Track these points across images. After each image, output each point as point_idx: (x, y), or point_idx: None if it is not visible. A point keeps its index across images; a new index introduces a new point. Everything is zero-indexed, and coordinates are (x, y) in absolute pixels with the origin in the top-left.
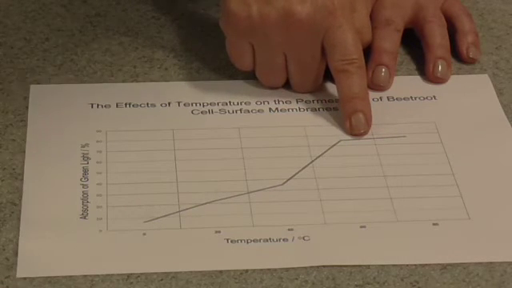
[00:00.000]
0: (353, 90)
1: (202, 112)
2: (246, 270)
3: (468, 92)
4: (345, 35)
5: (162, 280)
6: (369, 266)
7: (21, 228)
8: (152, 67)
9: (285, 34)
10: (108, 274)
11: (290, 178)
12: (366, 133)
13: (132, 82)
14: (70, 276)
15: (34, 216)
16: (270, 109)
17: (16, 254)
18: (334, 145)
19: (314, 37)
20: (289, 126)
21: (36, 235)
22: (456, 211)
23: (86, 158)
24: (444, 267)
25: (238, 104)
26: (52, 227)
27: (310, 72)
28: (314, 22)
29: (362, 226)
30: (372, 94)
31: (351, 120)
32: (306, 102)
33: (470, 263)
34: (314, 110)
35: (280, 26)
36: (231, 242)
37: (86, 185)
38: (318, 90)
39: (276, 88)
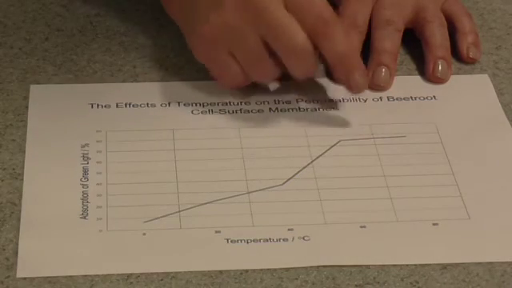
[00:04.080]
0: (339, 50)
1: (201, 112)
2: (246, 270)
3: (468, 92)
4: None
5: (162, 280)
6: (369, 266)
7: (21, 228)
8: (152, 67)
9: (248, 17)
10: (108, 274)
11: (290, 178)
12: (365, 88)
13: (132, 82)
14: (70, 276)
15: (34, 216)
16: (270, 109)
17: (16, 253)
18: (334, 145)
19: (276, 5)
20: (289, 125)
21: (36, 235)
22: (456, 211)
23: (85, 158)
24: (444, 267)
25: (237, 104)
26: (52, 227)
27: (291, 38)
28: None
29: (362, 226)
30: (372, 94)
31: (349, 81)
32: (306, 101)
33: (470, 263)
34: (313, 110)
35: (240, 14)
36: (231, 242)
37: (86, 185)
38: (316, 76)
39: (272, 80)
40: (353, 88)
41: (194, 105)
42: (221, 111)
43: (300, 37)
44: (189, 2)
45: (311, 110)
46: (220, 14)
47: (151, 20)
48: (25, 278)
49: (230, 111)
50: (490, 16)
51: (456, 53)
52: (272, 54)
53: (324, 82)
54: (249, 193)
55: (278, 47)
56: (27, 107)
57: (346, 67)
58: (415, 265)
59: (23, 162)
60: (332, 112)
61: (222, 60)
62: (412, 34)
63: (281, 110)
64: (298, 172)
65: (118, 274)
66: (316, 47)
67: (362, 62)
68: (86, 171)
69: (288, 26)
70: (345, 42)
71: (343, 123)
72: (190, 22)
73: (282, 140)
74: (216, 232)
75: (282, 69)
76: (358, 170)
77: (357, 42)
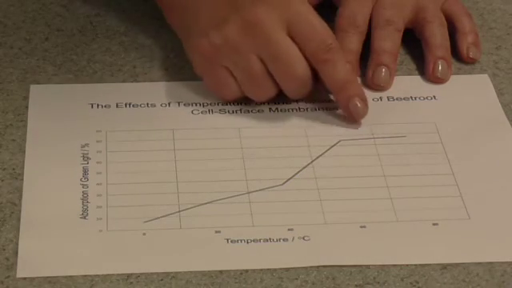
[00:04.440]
0: (340, 78)
1: (201, 112)
2: (246, 270)
3: (468, 92)
4: (310, 23)
5: (162, 280)
6: (369, 266)
7: (21, 228)
8: (152, 67)
9: (249, 38)
10: (108, 274)
11: (290, 178)
12: (365, 115)
13: (132, 82)
14: (70, 276)
15: (34, 216)
16: (270, 109)
17: (16, 253)
18: (334, 145)
19: (278, 30)
20: (289, 126)
21: (36, 235)
22: (456, 211)
23: (85, 158)
24: (444, 267)
25: (238, 104)
26: (52, 227)
27: (292, 68)
28: (271, 17)
29: (362, 226)
30: (372, 94)
31: (350, 108)
32: (306, 102)
33: (470, 263)
34: (313, 109)
35: (241, 34)
36: (231, 242)
37: (86, 185)
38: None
39: (268, 99)
40: (352, 114)
41: (194, 105)
42: (221, 111)
43: (300, 66)
44: (190, 15)
45: (311, 110)
46: (221, 31)
47: (151, 20)
48: (25, 278)
49: (230, 111)
50: (489, 16)
51: (456, 53)
52: (270, 74)
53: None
54: (249, 193)
55: (277, 73)
56: (27, 107)
57: (346, 94)
58: (415, 265)
59: (23, 162)
60: (332, 112)
61: (219, 75)
62: (412, 34)
63: (281, 110)
64: (298, 172)
65: (118, 274)
66: (315, 72)
67: (362, 89)
68: (85, 171)
69: (289, 55)
70: (345, 70)
71: (343, 123)
72: (190, 34)
73: (282, 140)
74: (216, 232)
75: (278, 89)
76: (357, 170)
77: (356, 68)
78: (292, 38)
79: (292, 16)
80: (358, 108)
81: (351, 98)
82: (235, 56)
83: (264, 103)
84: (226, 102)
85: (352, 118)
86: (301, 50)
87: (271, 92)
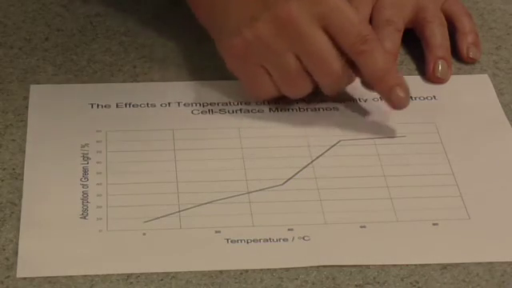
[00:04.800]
0: (379, 68)
1: (201, 112)
2: (246, 270)
3: (468, 92)
4: (345, 16)
5: (162, 280)
6: (369, 266)
7: (21, 228)
8: (152, 67)
9: (282, 35)
10: (108, 274)
11: (290, 178)
12: (407, 104)
13: (132, 82)
14: (70, 276)
15: (34, 216)
16: (270, 109)
17: (16, 253)
18: (334, 145)
19: (311, 26)
20: (289, 125)
21: (36, 235)
22: (456, 211)
23: (85, 158)
24: (444, 267)
25: (237, 104)
26: (52, 227)
27: (328, 64)
28: (304, 12)
29: (362, 226)
30: (372, 94)
31: (392, 98)
32: (306, 102)
33: (470, 263)
34: (313, 110)
35: (274, 31)
36: (231, 242)
37: (86, 185)
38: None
39: (304, 96)
40: (395, 104)
41: (194, 105)
42: (221, 111)
43: (335, 62)
44: (219, 12)
45: (311, 110)
46: (253, 28)
47: (151, 20)
48: (25, 278)
49: (230, 111)
50: (489, 16)
51: (456, 53)
52: (306, 71)
53: None
54: (249, 193)
55: (313, 69)
56: (27, 107)
57: (387, 84)
58: (415, 265)
59: (23, 162)
60: (332, 112)
61: (254, 73)
62: (412, 33)
63: (281, 110)
64: (298, 172)
65: (118, 274)
66: (353, 64)
67: (402, 78)
68: (85, 171)
69: (324, 50)
70: (384, 59)
71: (343, 123)
72: (221, 33)
73: (282, 140)
74: (216, 232)
75: (315, 86)
76: (358, 170)
77: (396, 56)
78: (327, 32)
79: (325, 9)
80: (400, 98)
81: (393, 88)
82: (270, 54)
83: (264, 103)
84: (227, 103)
85: (394, 108)
86: (337, 43)
87: (308, 89)
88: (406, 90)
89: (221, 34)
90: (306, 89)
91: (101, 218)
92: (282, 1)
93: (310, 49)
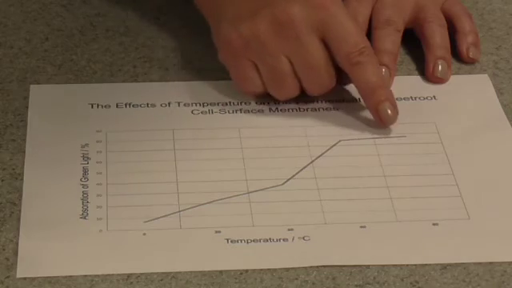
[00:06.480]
0: (372, 81)
1: (202, 112)
2: (246, 270)
3: (468, 92)
4: (344, 25)
5: (162, 280)
6: (369, 266)
7: (21, 228)
8: (152, 67)
9: (279, 37)
10: (108, 274)
11: (290, 178)
12: (394, 121)
13: (132, 82)
14: (70, 276)
15: (34, 216)
16: (270, 109)
17: (16, 253)
18: (334, 145)
19: (309, 32)
20: (289, 125)
21: (36, 235)
22: (456, 211)
23: (85, 158)
24: (444, 267)
25: (237, 104)
26: (52, 227)
27: (319, 75)
28: (304, 17)
29: (362, 226)
30: None
31: (379, 112)
32: (306, 102)
33: (470, 263)
34: (313, 109)
35: (272, 31)
36: (231, 241)
37: (85, 185)
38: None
39: (291, 98)
40: (382, 119)
41: (194, 105)
42: (221, 111)
43: (327, 76)
44: (221, 1)
45: (311, 110)
46: (251, 26)
47: (151, 20)
48: (25, 278)
49: (230, 111)
50: (489, 16)
51: (456, 53)
52: (296, 75)
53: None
54: (249, 193)
55: (303, 77)
56: (27, 107)
57: (376, 99)
58: (415, 265)
59: (23, 161)
60: (332, 112)
61: (244, 68)
62: (412, 34)
63: (281, 110)
64: (298, 172)
65: (118, 274)
66: (341, 72)
67: (392, 94)
68: (85, 171)
69: (318, 61)
70: (378, 73)
71: (343, 123)
72: (219, 21)
73: (282, 140)
74: (216, 232)
75: (301, 90)
76: (357, 170)
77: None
78: (324, 39)
79: (325, 16)
80: (387, 114)
81: (381, 103)
82: (263, 53)
83: (264, 103)
84: (227, 103)
85: (381, 123)
86: (333, 51)
87: (295, 92)
88: (394, 107)
89: (219, 24)
90: (292, 92)
91: (101, 218)
92: (284, 1)
93: (304, 56)
